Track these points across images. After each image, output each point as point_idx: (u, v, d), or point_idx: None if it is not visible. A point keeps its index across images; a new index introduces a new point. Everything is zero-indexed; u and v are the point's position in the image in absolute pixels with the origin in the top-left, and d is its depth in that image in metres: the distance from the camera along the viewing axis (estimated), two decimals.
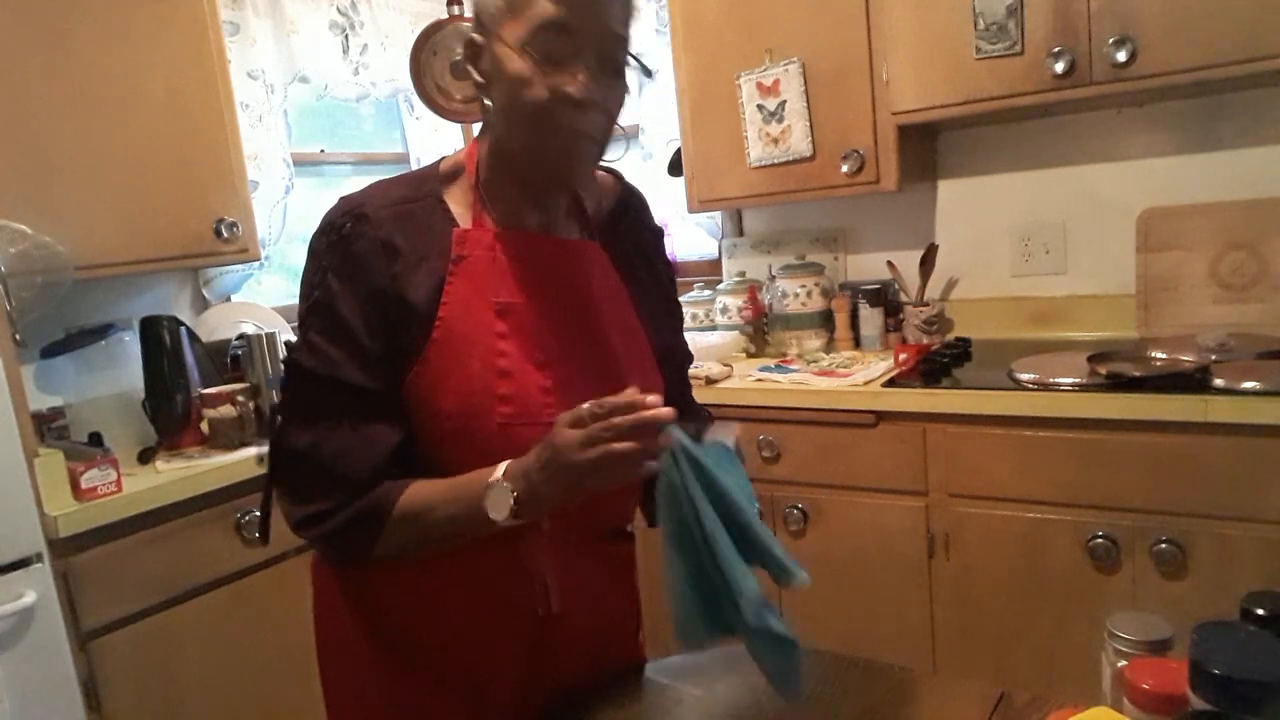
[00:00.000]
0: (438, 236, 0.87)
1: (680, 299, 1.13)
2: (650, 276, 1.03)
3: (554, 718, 0.96)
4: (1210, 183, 1.99)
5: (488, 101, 0.88)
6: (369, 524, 0.85)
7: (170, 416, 1.96)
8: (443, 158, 0.96)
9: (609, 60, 0.83)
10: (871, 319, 2.37)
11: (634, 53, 0.86)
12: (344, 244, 0.84)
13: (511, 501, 0.78)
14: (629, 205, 1.03)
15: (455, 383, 0.85)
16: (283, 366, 0.92)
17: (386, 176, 0.95)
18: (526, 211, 0.92)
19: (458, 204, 0.91)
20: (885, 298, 2.37)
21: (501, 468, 0.80)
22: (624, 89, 0.86)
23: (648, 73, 0.90)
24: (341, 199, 0.89)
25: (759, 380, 2.10)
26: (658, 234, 1.08)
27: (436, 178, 0.92)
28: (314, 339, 0.85)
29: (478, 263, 0.87)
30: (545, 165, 0.86)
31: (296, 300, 0.90)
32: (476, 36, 0.87)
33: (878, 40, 2.01)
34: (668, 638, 0.84)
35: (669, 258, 1.10)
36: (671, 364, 1.04)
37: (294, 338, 0.94)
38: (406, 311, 0.84)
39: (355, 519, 0.85)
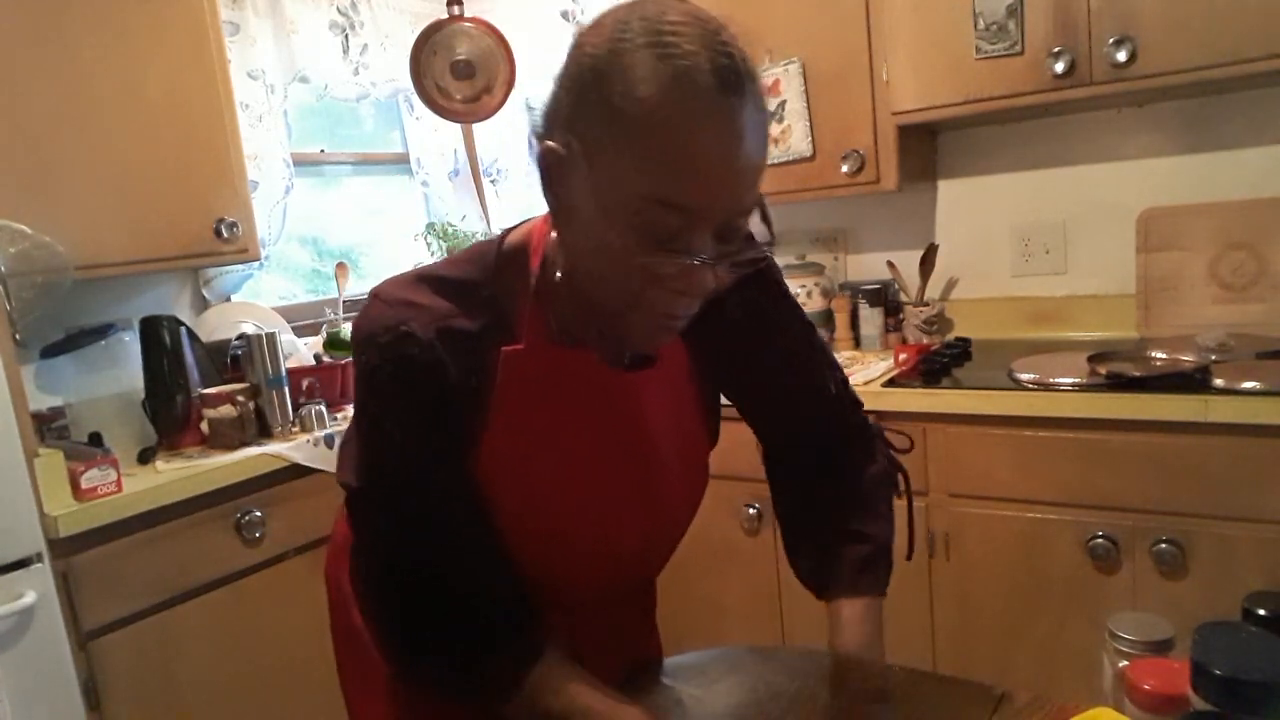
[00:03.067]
0: (486, 356, 0.78)
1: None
2: (764, 338, 0.92)
3: None
4: (1210, 183, 1.99)
5: (559, 225, 0.75)
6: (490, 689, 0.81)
7: (170, 416, 1.96)
8: (508, 231, 0.85)
9: (730, 232, 0.69)
10: (871, 319, 2.37)
11: (764, 206, 0.71)
12: (389, 367, 0.77)
13: None
14: (747, 289, 0.83)
15: (502, 503, 0.82)
16: (348, 493, 0.84)
17: (444, 259, 0.87)
18: (589, 333, 0.80)
19: (513, 301, 0.79)
20: (885, 298, 2.37)
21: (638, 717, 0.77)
22: (742, 238, 0.72)
23: (770, 238, 0.74)
24: (382, 298, 0.79)
25: None
26: (780, 302, 0.94)
27: (493, 275, 0.80)
28: (392, 462, 0.80)
29: (529, 387, 0.79)
30: (624, 333, 0.75)
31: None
32: (558, 146, 0.68)
33: (878, 40, 2.01)
34: (670, 638, 0.84)
35: (790, 307, 0.95)
36: (811, 403, 0.96)
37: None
38: (450, 436, 0.79)
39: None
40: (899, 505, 0.97)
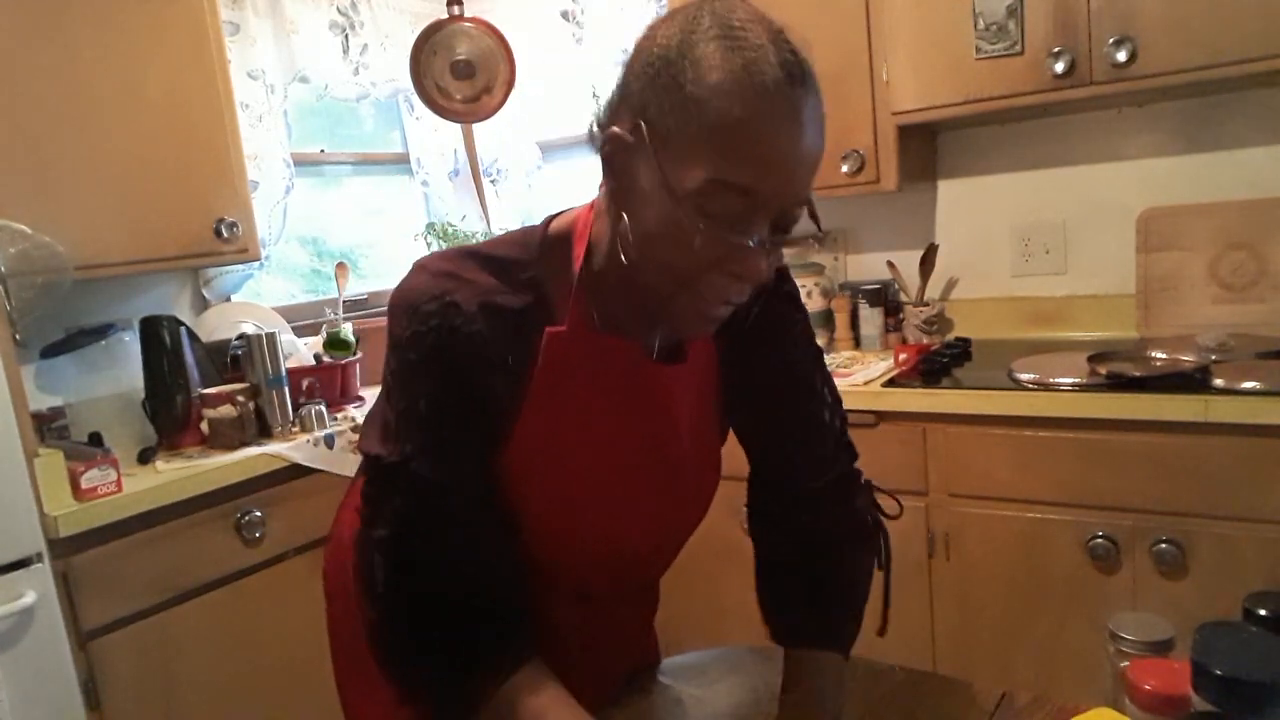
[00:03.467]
0: (527, 336, 0.78)
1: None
2: (775, 354, 0.91)
3: None
4: (1210, 183, 1.99)
5: (618, 210, 0.74)
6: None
7: (170, 416, 1.96)
8: (552, 217, 0.85)
9: (787, 221, 0.72)
10: (871, 319, 2.37)
11: (812, 202, 0.74)
12: (431, 336, 0.76)
13: None
14: (767, 300, 0.85)
15: (528, 489, 0.83)
16: (373, 463, 0.82)
17: (488, 239, 0.85)
18: (631, 321, 0.80)
19: (556, 287, 0.80)
20: (885, 298, 2.37)
21: None
22: (793, 229, 0.74)
23: (819, 231, 0.77)
24: (427, 269, 0.79)
25: None
26: (792, 324, 0.93)
27: (537, 257, 0.80)
28: (425, 438, 0.79)
29: (565, 369, 0.79)
30: (671, 318, 0.75)
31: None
32: (624, 133, 0.71)
33: (878, 40, 2.01)
34: (670, 638, 0.84)
35: (805, 334, 0.94)
36: (801, 433, 0.93)
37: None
38: (487, 414, 0.79)
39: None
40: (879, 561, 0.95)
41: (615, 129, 0.71)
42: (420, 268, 0.79)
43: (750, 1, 0.71)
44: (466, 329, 0.76)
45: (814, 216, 0.75)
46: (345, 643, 1.02)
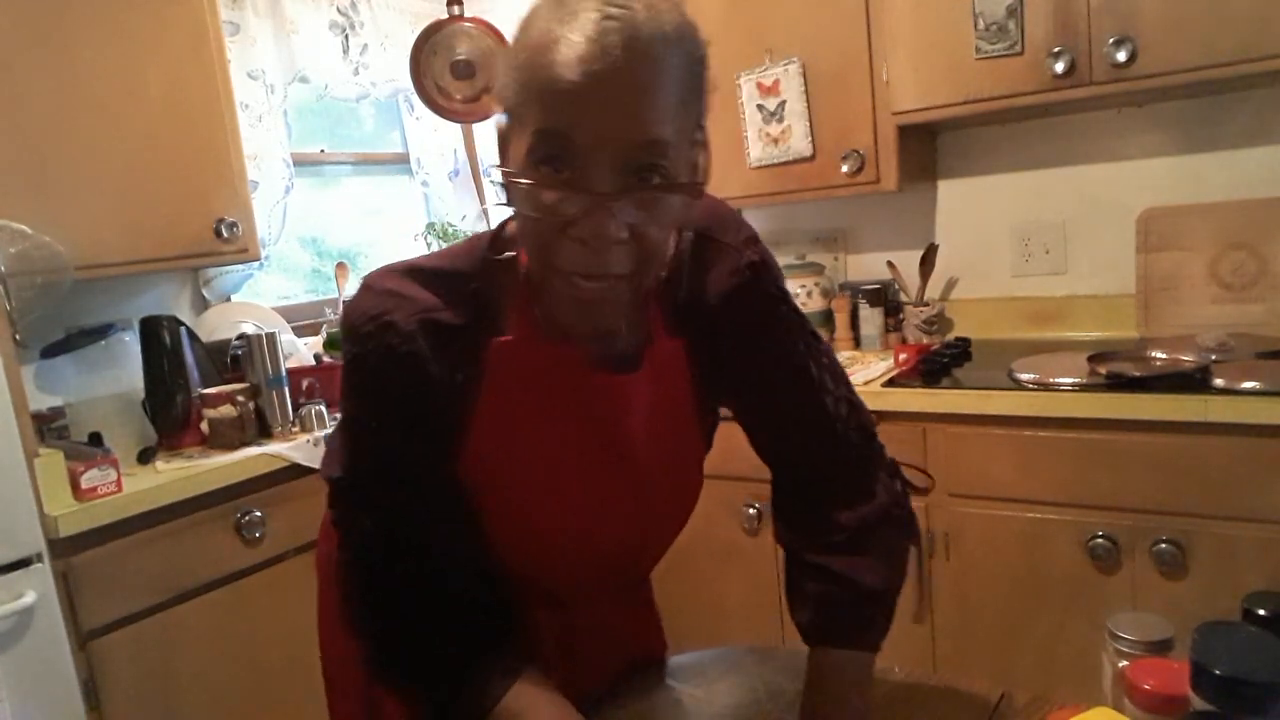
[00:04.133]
0: (472, 349, 0.77)
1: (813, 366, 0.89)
2: (756, 353, 0.87)
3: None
4: (1210, 183, 1.99)
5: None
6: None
7: (170, 416, 1.96)
8: (505, 223, 0.82)
9: (635, 170, 0.65)
10: (871, 319, 2.37)
11: (671, 153, 0.66)
12: (365, 360, 0.76)
13: None
14: (740, 301, 0.83)
15: (488, 499, 0.83)
16: (331, 485, 0.84)
17: (437, 250, 0.85)
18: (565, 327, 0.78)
19: (502, 295, 0.78)
20: (885, 298, 2.37)
21: None
22: (670, 202, 0.68)
23: (697, 191, 0.70)
24: (370, 289, 0.78)
25: None
26: (775, 322, 0.87)
27: (480, 268, 0.79)
28: (373, 456, 0.80)
29: (514, 381, 0.78)
30: (557, 311, 0.73)
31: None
32: (500, 121, 0.72)
33: (878, 40, 2.01)
34: (670, 638, 0.84)
35: (787, 322, 0.87)
36: (804, 430, 0.89)
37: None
38: (433, 429, 0.78)
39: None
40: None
41: (499, 123, 0.71)
42: (365, 287, 0.79)
43: None
44: (403, 349, 0.75)
45: (698, 162, 0.71)
46: (330, 622, 1.03)
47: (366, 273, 0.81)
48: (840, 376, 0.90)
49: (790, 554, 0.92)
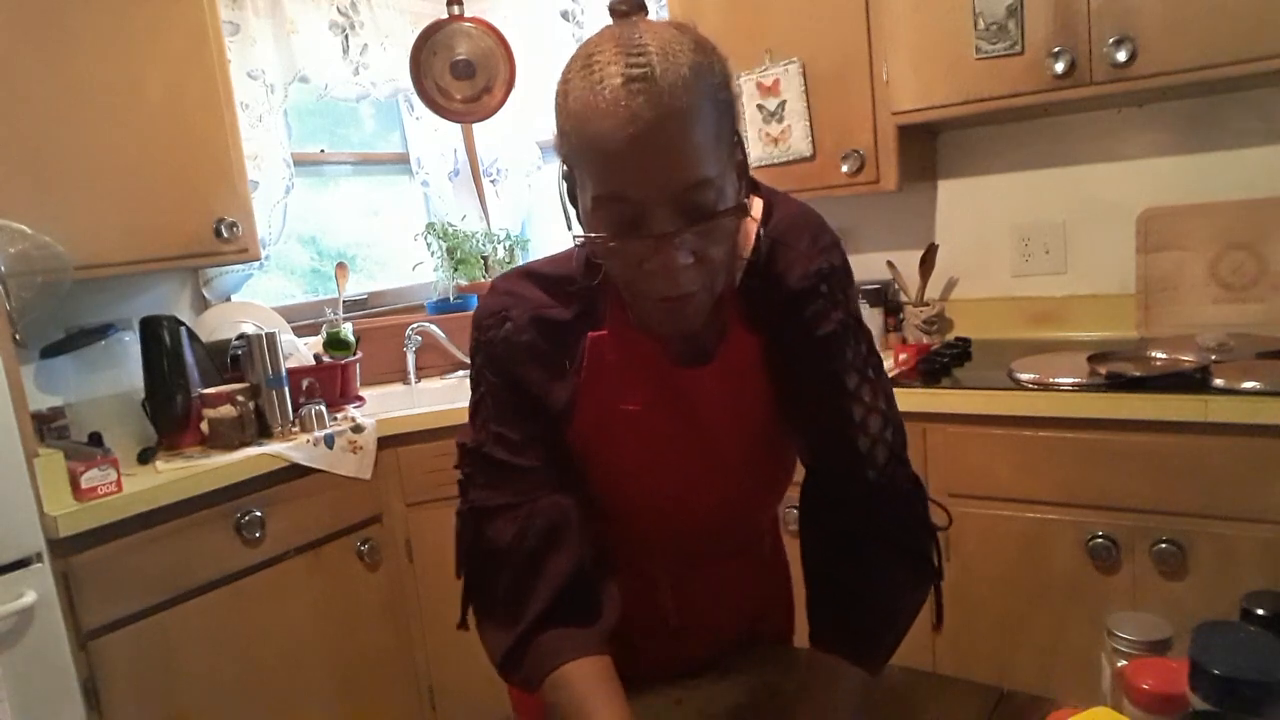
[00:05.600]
0: (575, 341, 0.89)
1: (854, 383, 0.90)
2: (812, 363, 0.90)
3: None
4: (1210, 183, 1.99)
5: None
6: (526, 671, 0.87)
7: (170, 416, 1.96)
8: None
9: (688, 208, 0.73)
10: (871, 319, 2.36)
11: (717, 183, 0.74)
12: (490, 346, 0.91)
13: None
14: (801, 303, 0.89)
15: (589, 468, 0.94)
16: (459, 449, 0.96)
17: (547, 256, 0.96)
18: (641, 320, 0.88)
19: (600, 294, 0.89)
20: (885, 298, 2.37)
21: None
22: (724, 225, 0.77)
23: (741, 211, 0.79)
24: (495, 290, 0.93)
25: None
26: (827, 327, 0.89)
27: (583, 274, 0.88)
28: (494, 429, 0.92)
29: (610, 370, 0.89)
30: (647, 319, 0.85)
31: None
32: (566, 170, 0.82)
33: (878, 40, 2.01)
34: None
35: (838, 338, 0.90)
36: (835, 446, 0.91)
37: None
38: (543, 406, 0.91)
39: (514, 659, 0.88)
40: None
41: (563, 170, 0.82)
42: (491, 288, 0.94)
43: (628, 25, 0.75)
44: (516, 339, 0.89)
45: (743, 182, 0.80)
46: None
47: (494, 279, 0.96)
48: (881, 393, 0.91)
49: (804, 556, 0.94)
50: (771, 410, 0.93)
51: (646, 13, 0.78)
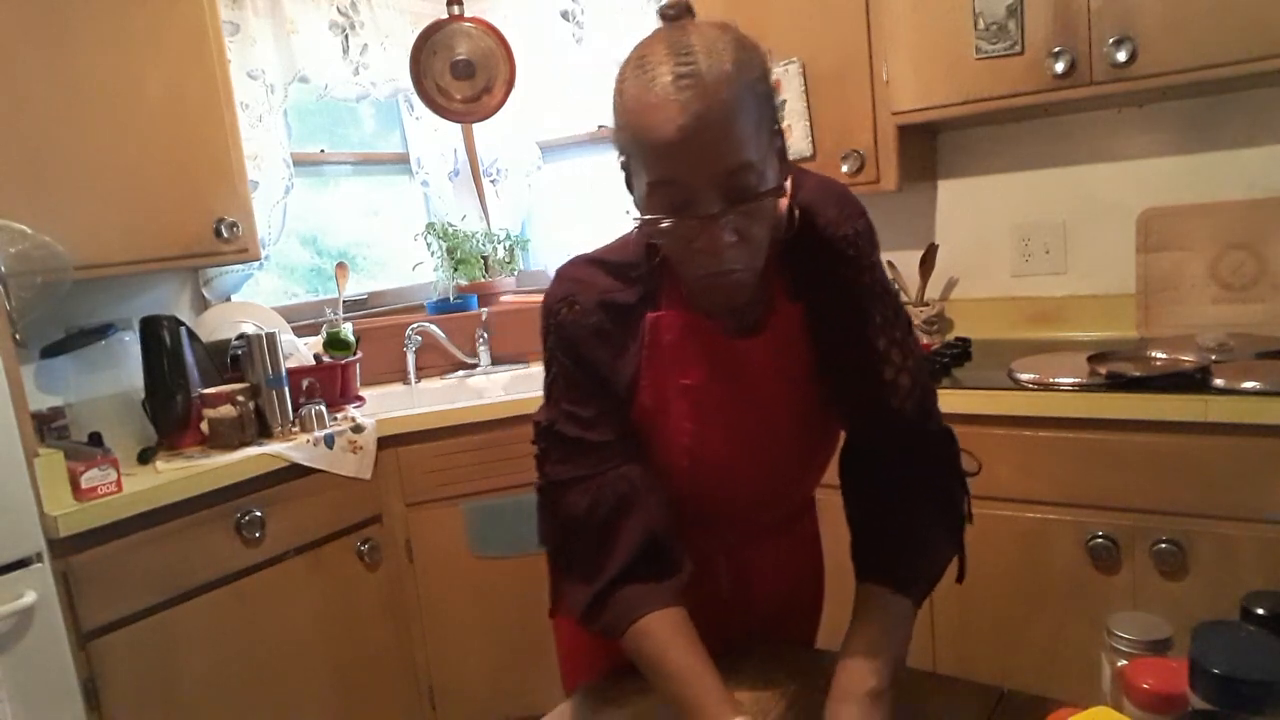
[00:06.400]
0: (637, 322, 0.96)
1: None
2: (845, 326, 0.96)
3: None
4: (1210, 183, 1.99)
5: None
6: (606, 620, 0.95)
7: (170, 416, 1.96)
8: None
9: (732, 191, 0.81)
10: None
11: (752, 164, 0.81)
12: (560, 329, 0.97)
13: None
14: (834, 269, 0.96)
15: (652, 439, 0.99)
16: (535, 427, 1.02)
17: (609, 244, 1.01)
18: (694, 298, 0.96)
19: (659, 278, 0.96)
20: None
21: None
22: (765, 205, 0.83)
23: (780, 192, 0.85)
24: (561, 276, 0.99)
25: None
26: (858, 290, 0.96)
27: (643, 259, 0.96)
28: (566, 407, 0.98)
29: (667, 348, 0.96)
30: (698, 296, 0.93)
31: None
32: (623, 160, 0.90)
33: (878, 40, 2.01)
34: None
35: (869, 298, 0.97)
36: (873, 401, 0.97)
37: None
38: (611, 383, 0.97)
39: (596, 611, 0.95)
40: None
41: (621, 156, 0.89)
42: (559, 275, 1.00)
43: (677, 28, 0.82)
44: (585, 322, 0.95)
45: (784, 163, 0.88)
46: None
47: (559, 267, 1.01)
48: (911, 353, 0.98)
49: (848, 506, 1.02)
50: (814, 376, 1.00)
51: (694, 15, 0.85)
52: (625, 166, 0.89)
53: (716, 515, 1.07)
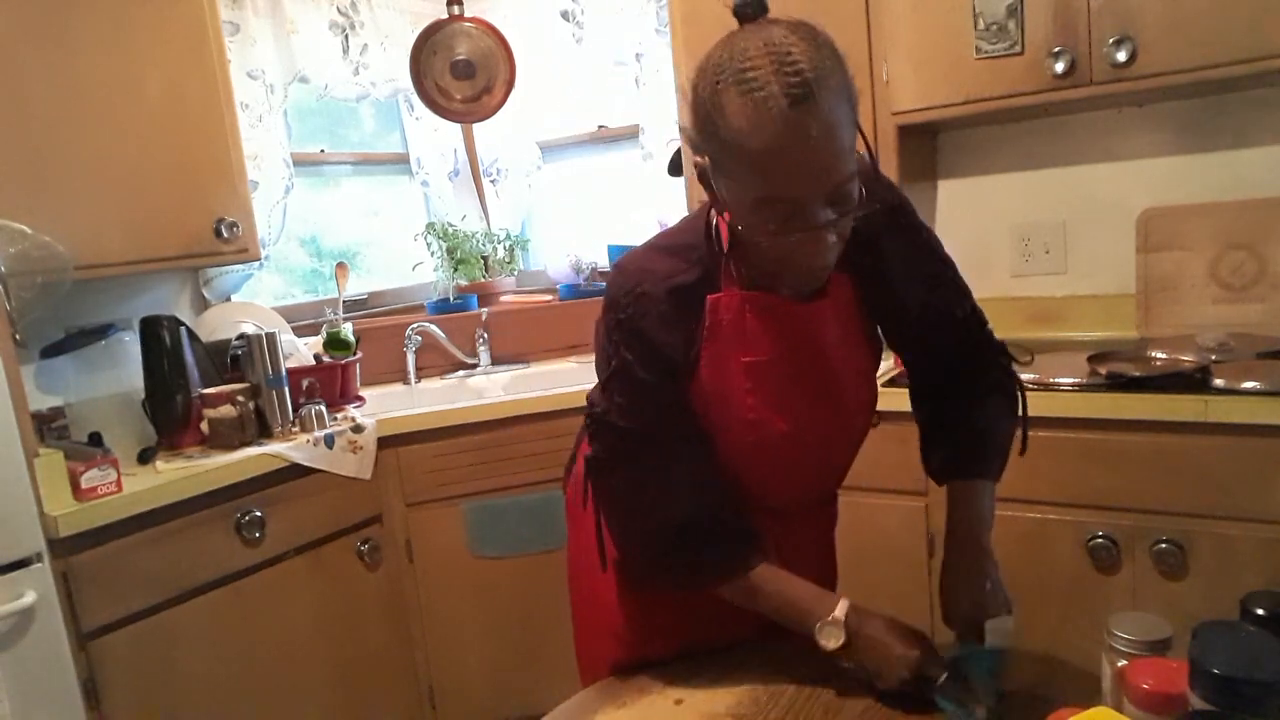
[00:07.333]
0: (699, 305, 1.01)
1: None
2: (908, 274, 1.09)
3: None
4: (1210, 183, 1.99)
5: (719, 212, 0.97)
6: (719, 569, 1.04)
7: (170, 416, 1.96)
8: (707, 205, 1.03)
9: (838, 200, 0.86)
10: None
11: (854, 171, 0.87)
12: (630, 322, 1.00)
13: (839, 644, 0.97)
14: (891, 235, 1.06)
15: (713, 417, 1.04)
16: (589, 421, 1.07)
17: (657, 234, 1.09)
18: (769, 280, 1.01)
19: (717, 260, 1.02)
20: None
21: (843, 606, 0.98)
22: (855, 197, 0.89)
23: (871, 199, 0.90)
24: (621, 270, 1.03)
25: None
26: (918, 247, 1.11)
27: (704, 241, 1.02)
28: (620, 401, 1.02)
29: (728, 327, 1.01)
30: (786, 281, 0.99)
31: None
32: (701, 160, 0.92)
33: (878, 40, 2.01)
34: None
35: (928, 246, 1.12)
36: (945, 325, 1.13)
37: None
38: (674, 368, 1.01)
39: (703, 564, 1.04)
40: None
41: (698, 158, 0.92)
42: (619, 267, 1.04)
43: (762, 29, 0.85)
44: (655, 309, 0.99)
45: (875, 172, 0.95)
46: (577, 556, 1.25)
47: (619, 258, 1.07)
48: (962, 283, 1.15)
49: (926, 423, 1.18)
50: (862, 338, 1.09)
51: (768, 12, 0.88)
52: (708, 169, 0.91)
53: (767, 495, 1.12)
